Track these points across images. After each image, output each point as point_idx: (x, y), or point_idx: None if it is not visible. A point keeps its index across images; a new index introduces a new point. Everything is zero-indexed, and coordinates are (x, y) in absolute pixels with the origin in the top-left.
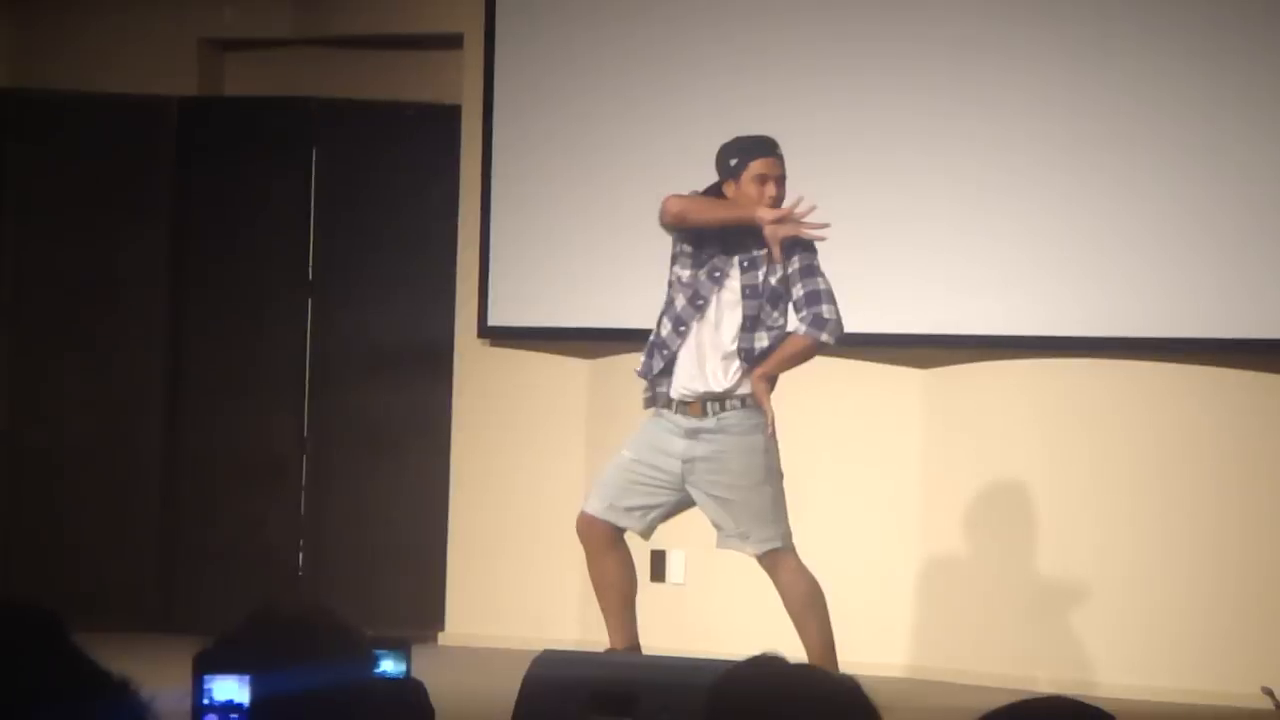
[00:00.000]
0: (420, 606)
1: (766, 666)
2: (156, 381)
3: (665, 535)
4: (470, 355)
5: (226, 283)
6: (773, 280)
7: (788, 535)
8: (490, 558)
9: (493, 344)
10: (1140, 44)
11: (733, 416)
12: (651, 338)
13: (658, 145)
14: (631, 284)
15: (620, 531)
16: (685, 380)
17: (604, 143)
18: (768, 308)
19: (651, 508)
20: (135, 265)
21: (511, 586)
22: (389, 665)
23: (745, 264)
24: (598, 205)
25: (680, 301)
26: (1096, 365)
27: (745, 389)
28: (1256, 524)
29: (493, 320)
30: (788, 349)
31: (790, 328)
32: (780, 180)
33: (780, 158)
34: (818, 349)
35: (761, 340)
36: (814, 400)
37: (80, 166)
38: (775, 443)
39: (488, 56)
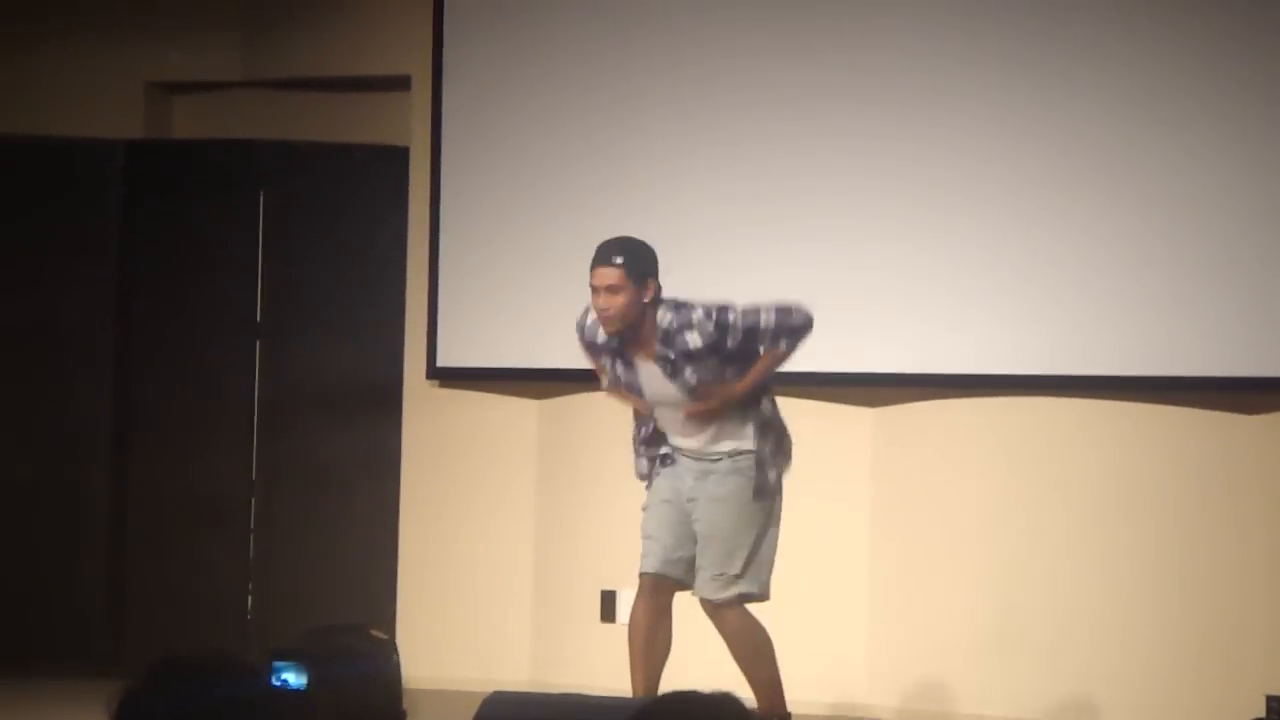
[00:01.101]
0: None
1: (678, 703)
2: (104, 424)
3: (617, 575)
4: (419, 396)
5: (175, 325)
6: (704, 373)
7: (758, 587)
8: (441, 598)
9: (442, 385)
10: (1097, 86)
11: (745, 460)
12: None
13: (608, 186)
14: None
15: (672, 593)
16: (680, 441)
17: (553, 184)
18: (697, 373)
19: (682, 547)
20: (82, 308)
21: (462, 627)
22: (290, 677)
23: (664, 368)
24: (547, 246)
25: (622, 385)
26: (1047, 404)
27: (743, 441)
28: (1205, 561)
29: (442, 361)
30: (757, 369)
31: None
32: (603, 290)
33: (615, 266)
34: (777, 357)
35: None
36: None
37: (26, 210)
38: (779, 492)
39: (435, 98)
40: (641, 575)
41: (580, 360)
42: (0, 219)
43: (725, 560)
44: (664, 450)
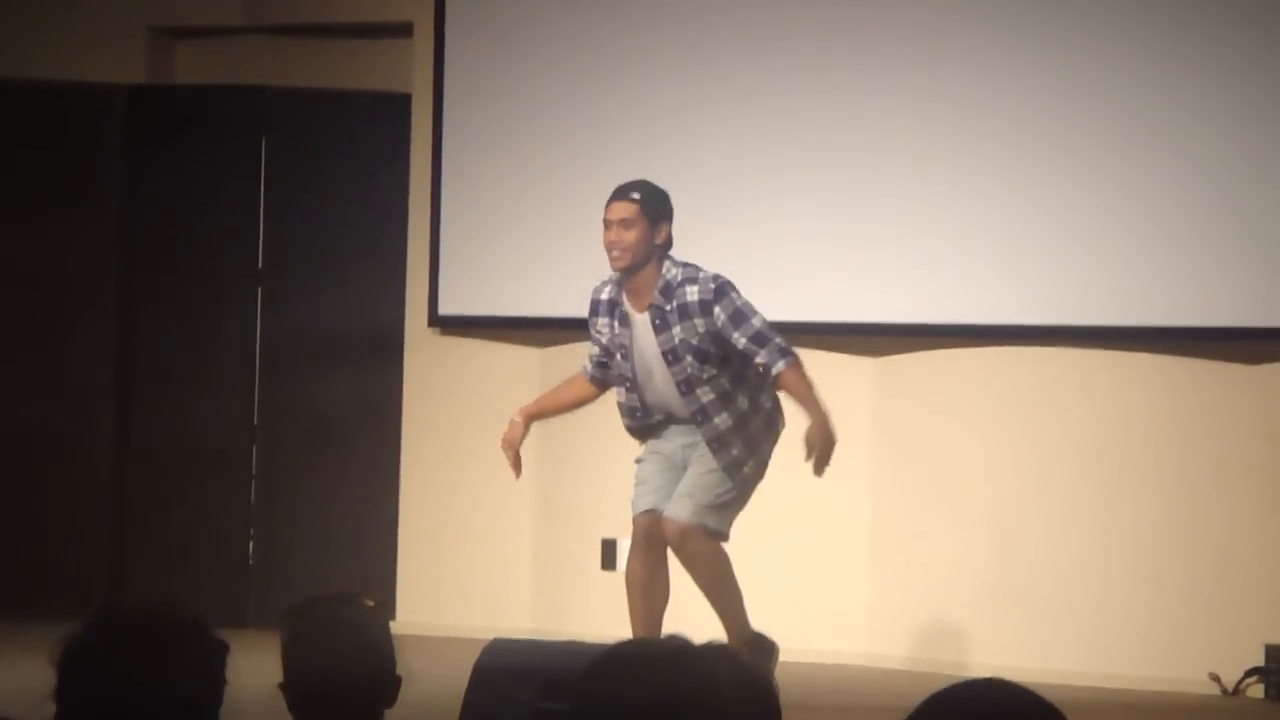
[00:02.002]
0: (371, 595)
1: (635, 650)
2: (107, 371)
3: (616, 524)
4: (421, 344)
5: (176, 272)
6: (693, 340)
7: (723, 526)
8: (441, 546)
9: (443, 333)
10: (1090, 38)
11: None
12: (619, 400)
13: (609, 135)
14: (582, 273)
15: (665, 547)
16: (672, 409)
17: (555, 132)
18: (696, 364)
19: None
20: (84, 254)
21: (462, 575)
22: None
23: (655, 321)
24: (549, 195)
25: (617, 355)
26: (1046, 354)
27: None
28: (1205, 511)
29: (443, 309)
30: (799, 389)
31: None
32: (616, 224)
33: (631, 201)
34: (799, 370)
35: (707, 395)
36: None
37: (28, 155)
38: (770, 450)
39: (438, 46)
40: (635, 519)
41: (581, 308)
42: (2, 164)
43: (699, 490)
44: (655, 420)
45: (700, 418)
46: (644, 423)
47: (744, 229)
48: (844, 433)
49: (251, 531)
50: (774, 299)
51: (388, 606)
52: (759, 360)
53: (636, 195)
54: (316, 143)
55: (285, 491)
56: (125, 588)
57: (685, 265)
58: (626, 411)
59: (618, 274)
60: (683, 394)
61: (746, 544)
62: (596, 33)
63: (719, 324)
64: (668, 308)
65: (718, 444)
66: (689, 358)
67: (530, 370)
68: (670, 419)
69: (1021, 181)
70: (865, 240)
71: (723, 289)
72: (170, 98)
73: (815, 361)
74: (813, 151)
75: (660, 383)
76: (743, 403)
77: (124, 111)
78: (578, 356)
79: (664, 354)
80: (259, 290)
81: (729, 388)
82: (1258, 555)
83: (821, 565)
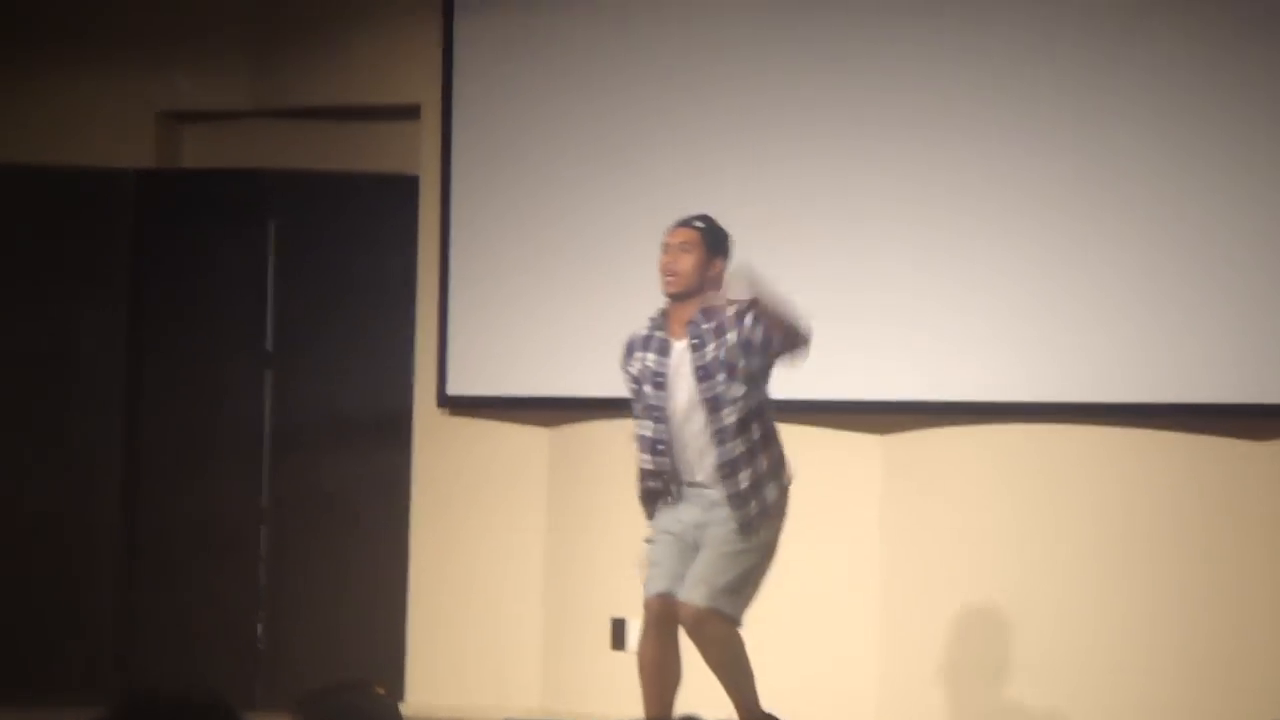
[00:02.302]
0: (382, 674)
1: None
2: (114, 452)
3: (627, 603)
4: (429, 424)
5: (185, 354)
6: (723, 354)
7: (739, 610)
8: (451, 626)
9: (452, 413)
10: (1099, 112)
11: (750, 502)
12: (639, 432)
13: (616, 215)
14: (590, 353)
15: (678, 623)
16: (690, 472)
17: (562, 212)
18: (725, 381)
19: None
20: (93, 336)
21: (472, 655)
22: None
23: (693, 342)
24: (556, 274)
25: (649, 389)
26: (1055, 431)
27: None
28: (1220, 590)
29: (451, 389)
30: (780, 320)
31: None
32: (674, 247)
33: (693, 228)
34: (801, 339)
35: (730, 417)
36: None
37: (38, 238)
38: (779, 523)
39: (445, 127)
40: (647, 601)
41: (590, 388)
42: (13, 246)
43: (714, 574)
44: (670, 486)
45: (726, 470)
46: (662, 469)
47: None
48: (852, 511)
49: (260, 613)
50: (777, 376)
51: (397, 687)
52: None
53: (700, 224)
54: (324, 225)
55: (294, 572)
56: (132, 670)
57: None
58: (648, 446)
59: (667, 299)
60: (709, 412)
61: (756, 622)
62: (604, 116)
63: (747, 327)
64: (705, 325)
65: (737, 501)
66: (720, 375)
67: (539, 450)
68: (685, 483)
69: (1031, 256)
70: (871, 315)
71: (759, 320)
72: (178, 181)
73: (822, 440)
74: (815, 225)
75: (687, 409)
76: (762, 462)
77: (133, 195)
78: (586, 435)
79: (696, 369)
80: (267, 371)
81: (756, 440)
82: (1266, 633)
83: (831, 643)
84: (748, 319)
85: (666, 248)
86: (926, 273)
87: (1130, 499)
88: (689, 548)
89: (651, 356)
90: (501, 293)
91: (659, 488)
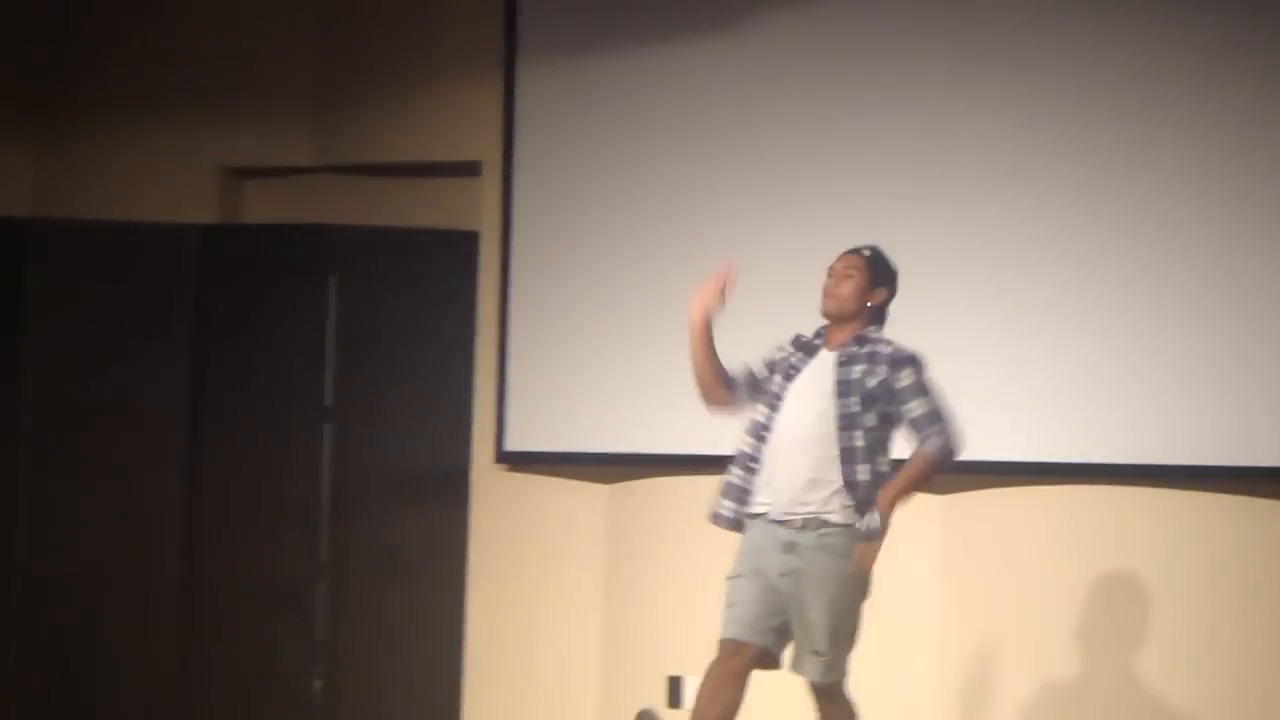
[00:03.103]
0: None
1: None
2: (174, 508)
3: (684, 660)
4: (487, 480)
5: (245, 409)
6: (870, 382)
7: (847, 668)
8: (507, 684)
9: (510, 469)
10: (1190, 168)
11: (836, 537)
12: (736, 451)
13: (677, 271)
14: (649, 409)
15: (750, 663)
16: (780, 500)
17: (622, 268)
18: (860, 404)
19: (775, 617)
20: (155, 392)
21: (528, 712)
22: None
23: (842, 359)
24: (615, 330)
25: (763, 409)
26: (1118, 493)
27: (843, 510)
28: None
29: (510, 445)
30: (914, 468)
31: (902, 447)
32: (835, 273)
33: (855, 253)
34: (943, 465)
35: (859, 440)
36: None
37: (101, 294)
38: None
39: (505, 183)
40: (721, 642)
41: (648, 444)
42: (77, 300)
43: (826, 644)
44: (746, 510)
45: (848, 475)
46: (748, 486)
47: None
48: (912, 572)
49: (316, 668)
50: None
51: None
52: (919, 435)
53: (867, 252)
54: (384, 280)
55: (351, 628)
56: None
57: (891, 339)
58: (740, 462)
59: (825, 319)
60: (843, 428)
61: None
62: (664, 172)
63: (899, 384)
64: (858, 349)
65: (854, 489)
66: (856, 396)
67: (597, 506)
68: (768, 518)
69: (1094, 317)
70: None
71: (919, 360)
72: (241, 236)
73: None
74: None
75: (805, 416)
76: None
77: (196, 250)
78: (645, 492)
79: (838, 383)
80: (326, 427)
81: (881, 472)
82: None
83: (890, 705)
84: (908, 373)
85: (831, 272)
86: (988, 334)
87: (1194, 562)
88: (778, 593)
89: (797, 354)
90: (560, 348)
91: (731, 516)
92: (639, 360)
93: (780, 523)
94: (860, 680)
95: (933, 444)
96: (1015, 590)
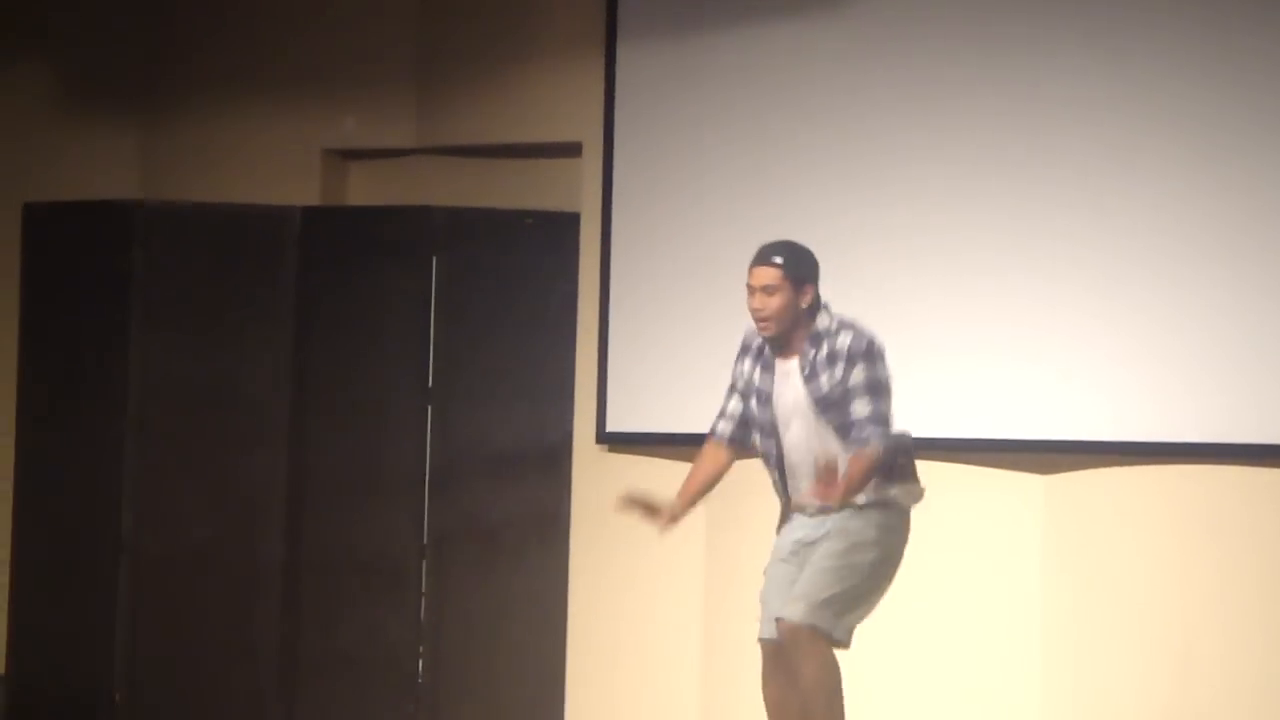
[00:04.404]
0: (540, 711)
1: None
2: (278, 487)
3: None
4: (588, 460)
5: (347, 389)
6: (840, 390)
7: (838, 630)
8: (609, 663)
9: (611, 449)
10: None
11: (863, 512)
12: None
13: None
14: None
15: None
16: (798, 496)
17: (722, 249)
18: (830, 382)
19: None
20: (258, 372)
21: (632, 688)
22: None
23: (806, 373)
24: (715, 310)
25: (755, 404)
26: (1222, 472)
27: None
28: None
29: (611, 426)
30: (858, 468)
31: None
32: (759, 290)
33: (774, 266)
34: (867, 459)
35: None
36: (930, 506)
37: (206, 275)
38: (899, 547)
39: (606, 165)
40: (761, 641)
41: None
42: (182, 283)
43: (815, 589)
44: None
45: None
46: (781, 479)
47: (906, 340)
48: (1012, 553)
49: (421, 648)
50: (936, 413)
51: None
52: (852, 437)
53: (779, 259)
54: (486, 261)
55: (454, 607)
56: (296, 706)
57: (843, 318)
58: (768, 462)
59: (765, 340)
60: (841, 438)
61: (913, 669)
62: (763, 152)
63: (851, 381)
64: (815, 354)
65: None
66: (835, 405)
67: None
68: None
69: (1202, 294)
70: (1033, 354)
71: (875, 351)
72: (343, 218)
73: (982, 479)
74: (982, 265)
75: (797, 434)
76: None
77: (298, 232)
78: (744, 470)
79: (815, 402)
80: (429, 407)
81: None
82: None
83: (992, 690)
84: (860, 369)
85: (751, 290)
86: (1091, 309)
87: None
88: (798, 572)
89: (759, 373)
90: (661, 329)
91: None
92: (738, 341)
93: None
94: (957, 665)
95: (874, 446)
96: (1117, 572)
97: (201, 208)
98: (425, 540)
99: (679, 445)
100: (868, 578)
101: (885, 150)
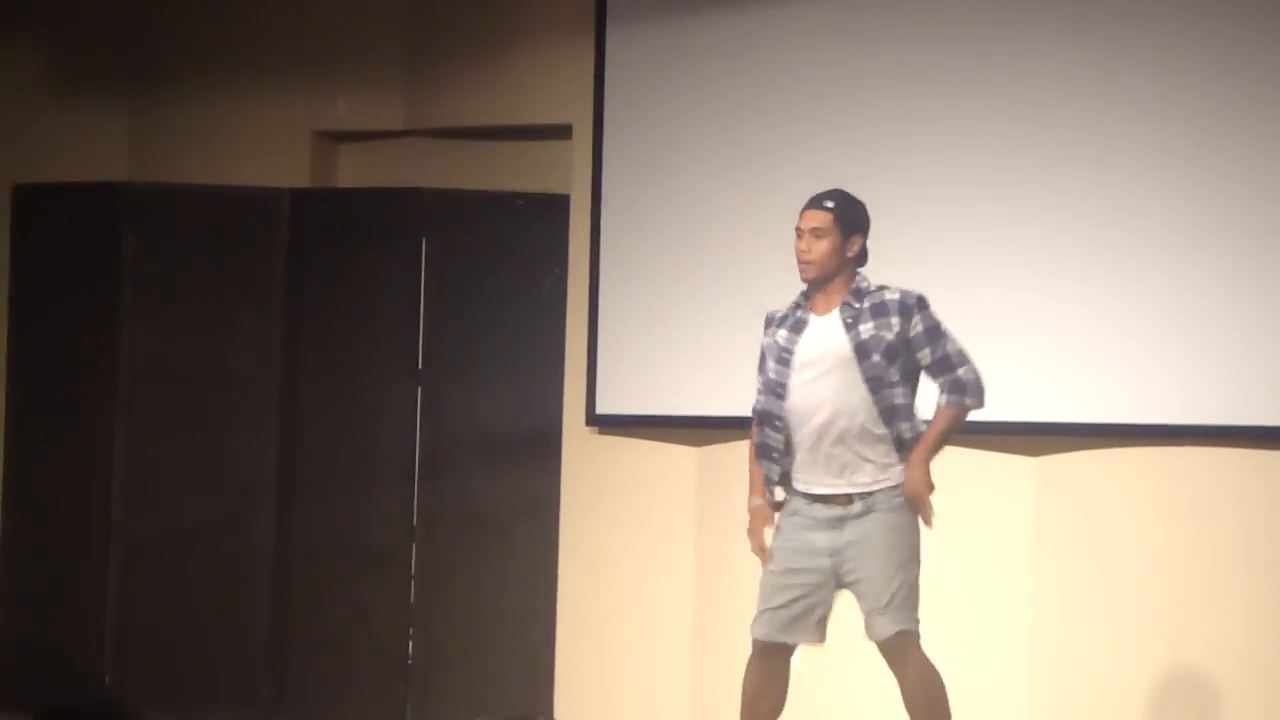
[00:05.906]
0: (529, 693)
1: None
2: (268, 470)
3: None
4: (578, 443)
5: (337, 371)
6: (887, 335)
7: (918, 623)
8: (599, 645)
9: (601, 432)
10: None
11: (881, 497)
12: (756, 406)
13: (767, 235)
14: (739, 372)
15: (788, 656)
16: (808, 479)
17: (712, 232)
18: (884, 363)
19: (814, 611)
20: (248, 354)
21: (620, 674)
22: None
23: (848, 320)
24: (705, 293)
25: (772, 363)
26: (1215, 454)
27: (887, 471)
28: None
29: (601, 408)
30: (938, 425)
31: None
32: (808, 233)
33: (825, 210)
34: (965, 417)
35: (895, 397)
36: None
37: (195, 257)
38: (919, 525)
39: (596, 147)
40: (755, 640)
41: (739, 407)
42: (169, 266)
43: (890, 595)
44: (784, 496)
45: (895, 433)
46: (774, 446)
47: None
48: (1003, 534)
49: (411, 630)
50: (926, 396)
51: (546, 705)
52: (937, 382)
53: (830, 204)
54: (475, 243)
55: (444, 589)
56: (286, 688)
57: (879, 284)
58: (767, 420)
59: (805, 285)
60: (872, 392)
61: None
62: (755, 135)
63: (912, 332)
64: (860, 305)
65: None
66: (878, 354)
67: (687, 469)
68: (803, 494)
69: (1191, 276)
70: (1025, 335)
71: (925, 300)
72: (333, 200)
73: (972, 461)
74: (973, 244)
75: (826, 386)
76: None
77: (287, 214)
78: (735, 455)
79: (855, 346)
80: (418, 389)
81: (919, 430)
82: None
83: (980, 671)
84: (917, 320)
85: (799, 233)
86: (1083, 292)
87: None
88: (816, 584)
89: (783, 333)
90: (651, 311)
91: (772, 475)
92: (729, 323)
93: (822, 499)
94: (947, 644)
95: (955, 396)
96: (1107, 553)
97: (191, 189)
98: (415, 522)
99: (669, 428)
100: (917, 560)
101: (875, 132)
